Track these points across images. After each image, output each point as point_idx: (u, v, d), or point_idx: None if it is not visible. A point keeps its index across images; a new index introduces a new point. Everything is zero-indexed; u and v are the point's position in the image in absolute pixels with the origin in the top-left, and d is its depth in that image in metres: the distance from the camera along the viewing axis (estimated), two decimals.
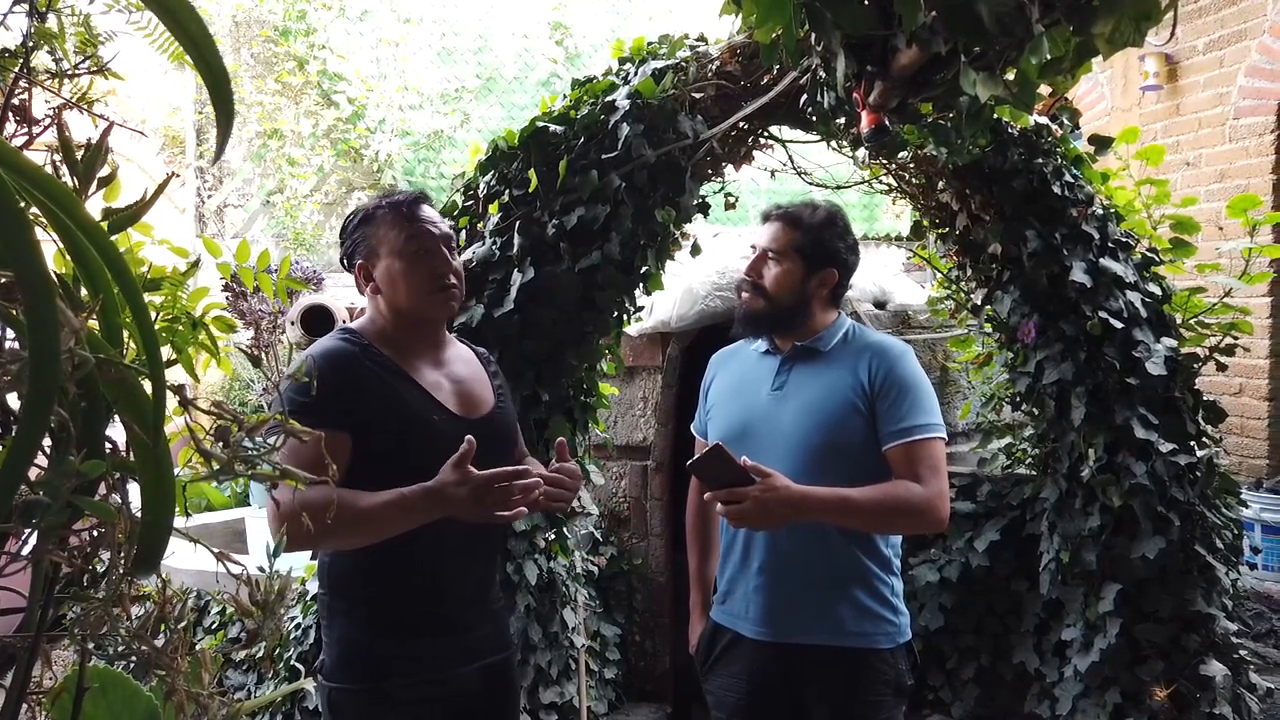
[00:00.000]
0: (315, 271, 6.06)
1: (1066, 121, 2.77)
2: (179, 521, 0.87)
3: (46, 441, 0.77)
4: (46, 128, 1.00)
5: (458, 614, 1.74)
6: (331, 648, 1.71)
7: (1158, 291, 2.70)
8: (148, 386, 0.71)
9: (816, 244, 1.98)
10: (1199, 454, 2.60)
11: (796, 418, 1.93)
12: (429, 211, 1.78)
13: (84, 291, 0.79)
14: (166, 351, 0.95)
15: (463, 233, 2.51)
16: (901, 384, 1.90)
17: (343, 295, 6.10)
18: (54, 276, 0.75)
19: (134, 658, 0.88)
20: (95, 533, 0.81)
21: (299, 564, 2.57)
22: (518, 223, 2.42)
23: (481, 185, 2.55)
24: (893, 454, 1.88)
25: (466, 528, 1.72)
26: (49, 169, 0.91)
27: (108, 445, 0.78)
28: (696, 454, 2.12)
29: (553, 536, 2.66)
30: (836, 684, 1.91)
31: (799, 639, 1.92)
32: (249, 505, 4.90)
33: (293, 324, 5.37)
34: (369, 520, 1.53)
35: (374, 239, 1.73)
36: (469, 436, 1.52)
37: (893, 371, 1.91)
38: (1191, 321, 2.79)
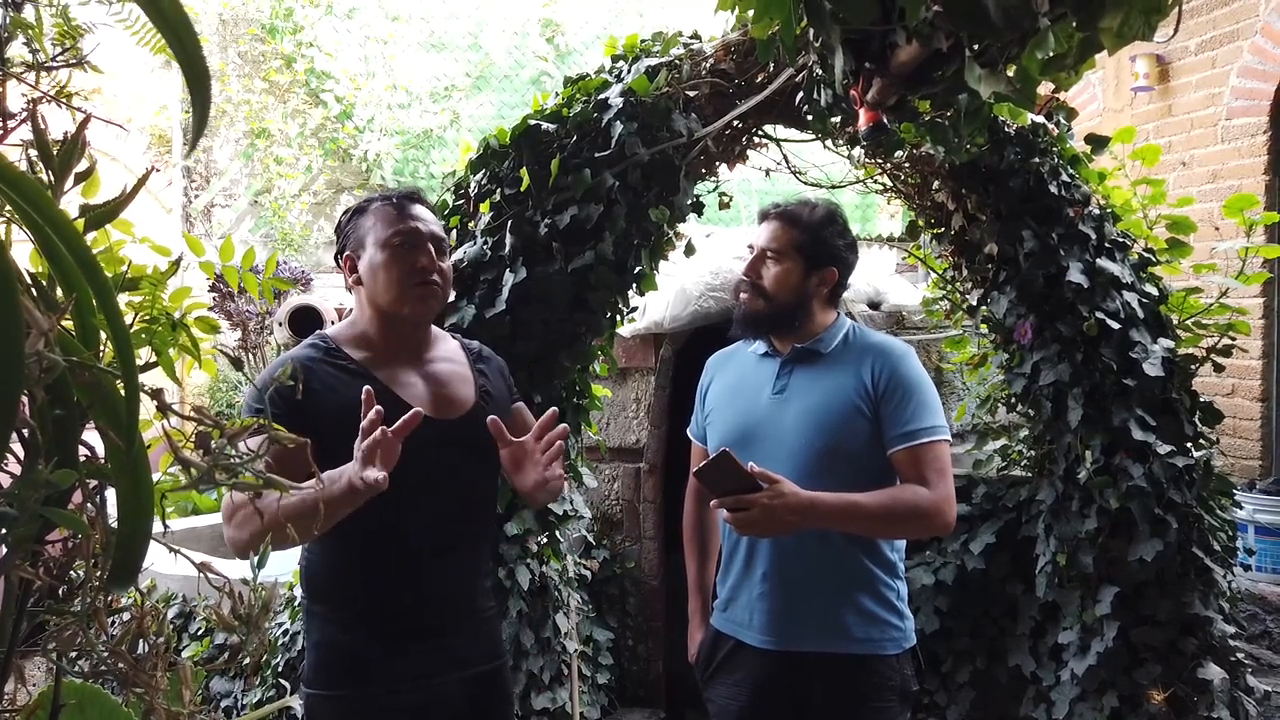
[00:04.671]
0: (303, 272, 6.03)
1: (1062, 121, 2.75)
2: (161, 527, 0.83)
3: (20, 450, 0.73)
4: (21, 122, 0.96)
5: (441, 620, 1.69)
6: (310, 653, 1.67)
7: (1154, 292, 2.68)
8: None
9: (816, 242, 1.94)
10: (1196, 455, 2.59)
11: (799, 421, 1.89)
12: (420, 209, 1.74)
13: (60, 293, 0.75)
14: (146, 353, 0.92)
15: (454, 232, 2.48)
16: (906, 386, 1.87)
17: (331, 296, 6.06)
18: (23, 273, 0.72)
19: (112, 674, 0.84)
20: (70, 544, 0.77)
21: (284, 571, 2.52)
22: (509, 222, 2.39)
23: (473, 184, 2.51)
24: (898, 457, 1.85)
25: (450, 528, 1.69)
26: (24, 163, 0.87)
27: (85, 453, 0.75)
28: (693, 460, 2.08)
29: (545, 540, 2.62)
30: (842, 691, 1.88)
31: (804, 647, 1.89)
32: None
33: (280, 325, 5.33)
34: (293, 513, 1.38)
35: (362, 230, 1.71)
36: (366, 387, 1.45)
37: (896, 373, 1.88)
38: (1188, 322, 2.77)
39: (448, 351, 1.81)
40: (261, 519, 1.39)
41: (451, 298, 2.12)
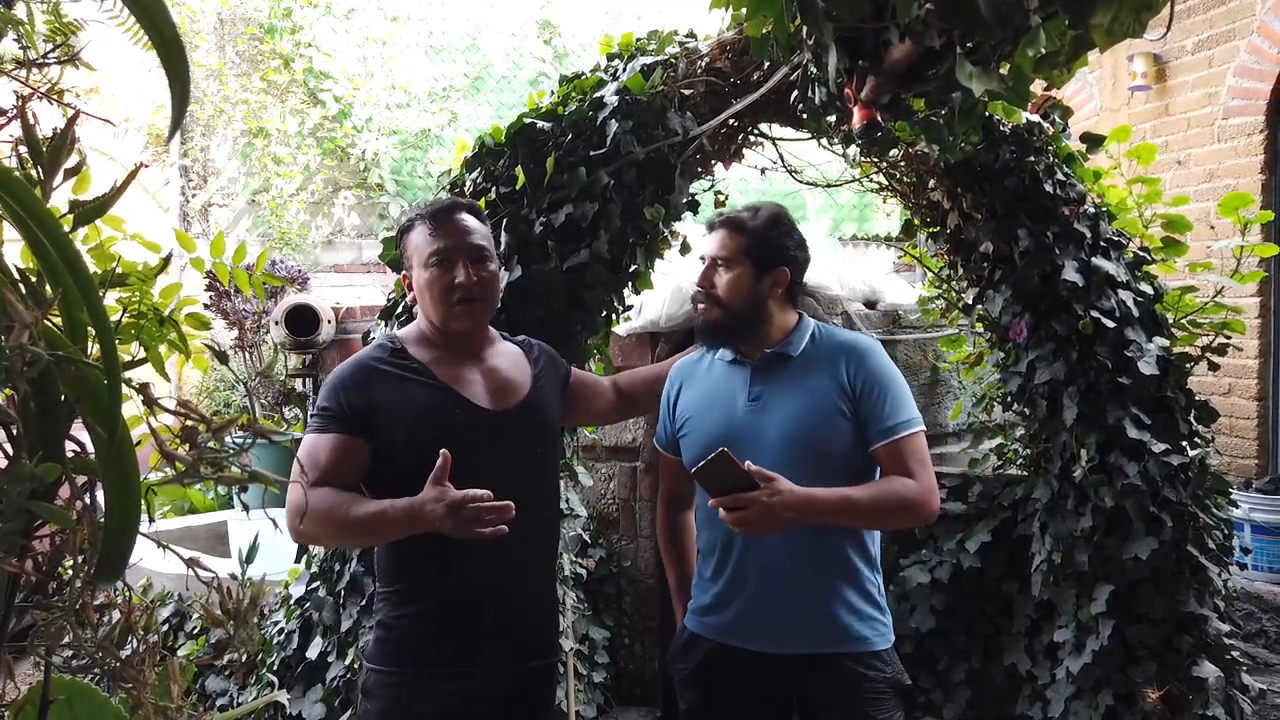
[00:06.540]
0: (300, 271, 6.02)
1: (1058, 119, 2.75)
2: (154, 525, 0.83)
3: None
4: (12, 119, 0.96)
5: (502, 613, 1.75)
6: (374, 631, 1.76)
7: (1149, 290, 2.68)
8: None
9: (763, 245, 1.96)
10: (1191, 454, 2.59)
11: (781, 429, 1.90)
12: (458, 221, 1.81)
13: (49, 289, 0.75)
14: (135, 349, 0.92)
15: None
16: (881, 382, 1.91)
17: (329, 295, 6.05)
18: (9, 268, 0.72)
19: (100, 669, 0.84)
20: (57, 539, 0.77)
21: (277, 569, 2.52)
22: (504, 220, 2.39)
23: (468, 182, 2.51)
24: (881, 452, 1.89)
25: (519, 527, 1.72)
26: (13, 159, 0.87)
27: (75, 449, 0.75)
28: (663, 471, 2.15)
29: None
30: (839, 689, 1.88)
31: (801, 649, 1.89)
32: (232, 508, 4.85)
33: (277, 324, 5.32)
34: (356, 527, 1.60)
35: (410, 249, 1.83)
36: (444, 451, 1.56)
37: (870, 371, 1.92)
38: (1183, 321, 2.77)
39: (505, 349, 1.92)
40: (330, 520, 1.60)
41: None
